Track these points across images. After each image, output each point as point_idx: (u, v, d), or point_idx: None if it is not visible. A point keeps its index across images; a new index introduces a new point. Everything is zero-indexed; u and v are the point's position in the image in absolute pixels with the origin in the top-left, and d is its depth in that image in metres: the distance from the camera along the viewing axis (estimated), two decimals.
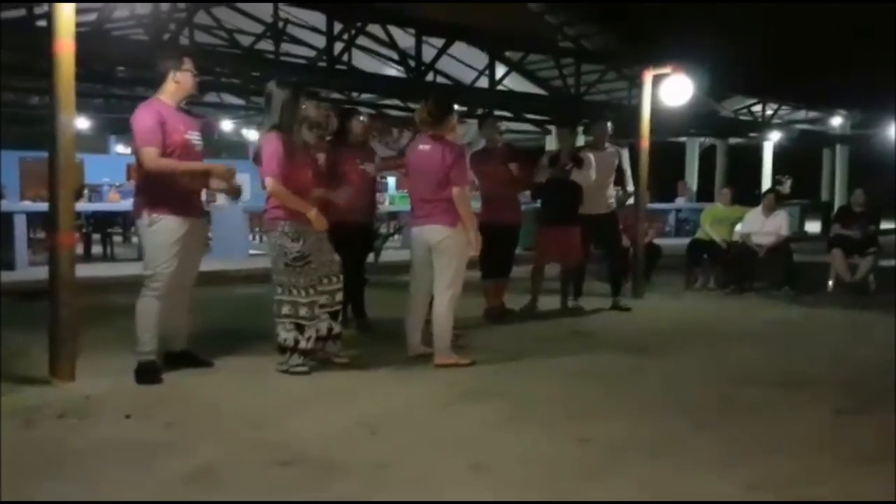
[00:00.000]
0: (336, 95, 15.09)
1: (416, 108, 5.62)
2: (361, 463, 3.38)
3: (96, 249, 11.96)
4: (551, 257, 7.38)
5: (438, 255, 5.24)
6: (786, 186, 20.27)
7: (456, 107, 5.65)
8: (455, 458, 3.45)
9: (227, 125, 20.72)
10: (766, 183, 20.04)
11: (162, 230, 4.75)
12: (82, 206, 11.77)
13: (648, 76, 8.59)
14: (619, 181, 7.78)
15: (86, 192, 12.91)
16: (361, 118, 6.48)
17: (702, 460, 3.48)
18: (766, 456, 3.55)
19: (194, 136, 4.91)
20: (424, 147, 5.32)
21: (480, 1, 12.77)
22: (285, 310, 4.97)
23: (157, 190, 4.76)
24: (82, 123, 20.30)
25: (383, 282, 8.23)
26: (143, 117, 4.73)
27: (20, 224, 9.60)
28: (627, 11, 19.74)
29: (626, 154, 7.74)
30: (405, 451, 3.55)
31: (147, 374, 4.74)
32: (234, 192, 5.23)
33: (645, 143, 8.60)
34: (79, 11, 4.76)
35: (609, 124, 7.62)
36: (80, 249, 11.75)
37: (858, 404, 4.41)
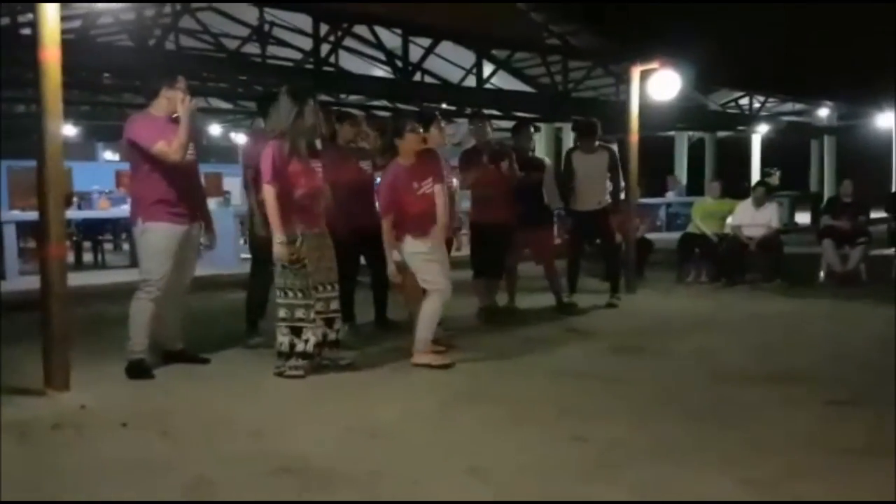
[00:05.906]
0: (324, 97, 15.09)
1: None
2: (359, 469, 3.37)
3: (87, 257, 11.88)
4: (522, 256, 7.46)
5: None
6: (774, 178, 20.38)
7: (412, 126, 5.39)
8: (453, 461, 3.45)
9: (215, 129, 20.62)
10: (755, 175, 20.09)
11: (154, 237, 4.97)
12: (72, 213, 11.71)
13: (636, 72, 8.61)
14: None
15: (75, 199, 12.84)
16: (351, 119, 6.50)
17: (697, 458, 3.48)
18: (759, 452, 3.56)
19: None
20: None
21: (465, 1, 12.76)
22: (281, 313, 5.02)
23: (150, 198, 4.95)
24: (69, 131, 20.23)
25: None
26: (137, 127, 4.97)
27: (10, 234, 9.54)
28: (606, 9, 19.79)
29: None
30: (403, 456, 3.54)
31: (136, 370, 4.94)
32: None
33: (634, 138, 8.63)
34: (63, 18, 4.76)
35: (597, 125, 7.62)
36: (70, 258, 11.72)
37: (849, 396, 4.43)
